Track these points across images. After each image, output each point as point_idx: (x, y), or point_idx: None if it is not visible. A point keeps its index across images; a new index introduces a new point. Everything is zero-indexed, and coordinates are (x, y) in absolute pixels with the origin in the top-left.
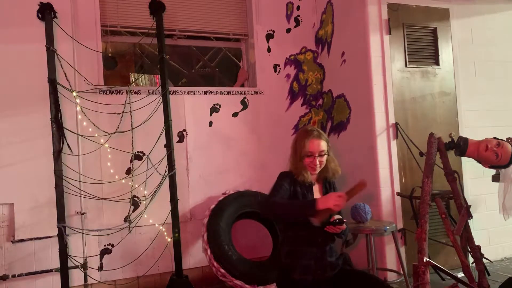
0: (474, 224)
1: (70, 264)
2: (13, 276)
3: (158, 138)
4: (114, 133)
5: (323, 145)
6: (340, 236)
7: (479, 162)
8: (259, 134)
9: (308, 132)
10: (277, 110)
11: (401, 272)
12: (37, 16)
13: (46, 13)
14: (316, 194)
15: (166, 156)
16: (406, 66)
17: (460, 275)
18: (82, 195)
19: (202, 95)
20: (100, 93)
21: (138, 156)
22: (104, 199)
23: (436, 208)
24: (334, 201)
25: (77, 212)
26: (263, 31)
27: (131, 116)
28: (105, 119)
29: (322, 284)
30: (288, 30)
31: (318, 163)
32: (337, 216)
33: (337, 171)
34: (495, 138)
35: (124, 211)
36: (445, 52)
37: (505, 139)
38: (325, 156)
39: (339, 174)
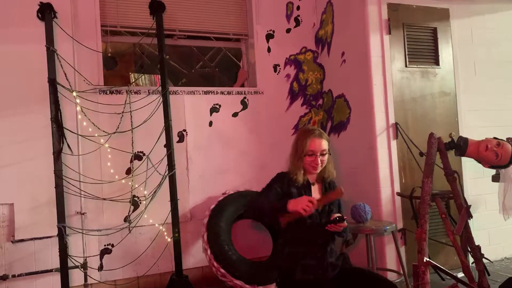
0: (474, 224)
1: (70, 264)
2: (13, 276)
3: (158, 138)
4: (114, 133)
5: (325, 144)
6: (342, 235)
7: (479, 162)
8: (259, 134)
9: (310, 131)
10: (277, 110)
11: (401, 272)
12: (37, 16)
13: (46, 13)
14: (315, 194)
15: (166, 156)
16: (406, 66)
17: (460, 275)
18: (82, 195)
19: (202, 95)
20: (100, 93)
21: (138, 156)
22: (104, 199)
23: (436, 208)
24: (303, 205)
25: (77, 212)
26: (263, 31)
27: (131, 116)
28: (105, 119)
29: (323, 284)
30: (288, 30)
31: (319, 162)
32: (337, 214)
33: (332, 173)
34: (495, 138)
35: (124, 211)
36: (445, 52)
37: (505, 139)
38: (327, 155)
39: (334, 177)
